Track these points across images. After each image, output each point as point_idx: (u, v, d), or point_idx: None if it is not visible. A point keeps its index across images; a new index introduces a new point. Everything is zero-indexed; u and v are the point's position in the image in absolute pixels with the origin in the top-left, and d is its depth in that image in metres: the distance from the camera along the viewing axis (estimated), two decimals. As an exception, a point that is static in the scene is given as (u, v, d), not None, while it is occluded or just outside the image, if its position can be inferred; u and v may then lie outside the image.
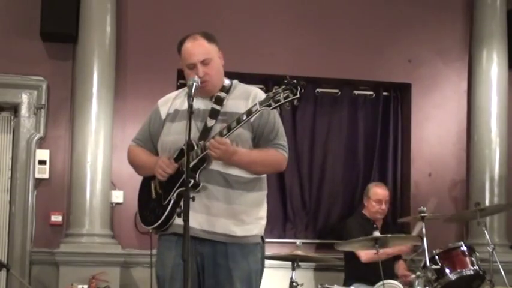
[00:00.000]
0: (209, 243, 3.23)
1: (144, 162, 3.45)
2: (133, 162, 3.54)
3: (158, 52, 6.11)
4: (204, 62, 3.30)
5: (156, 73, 6.08)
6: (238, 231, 3.24)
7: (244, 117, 3.11)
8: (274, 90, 3.07)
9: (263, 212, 3.38)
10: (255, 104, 3.10)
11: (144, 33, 6.17)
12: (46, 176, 5.95)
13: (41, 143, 5.99)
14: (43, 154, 5.96)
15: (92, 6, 5.90)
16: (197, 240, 3.20)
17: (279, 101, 3.03)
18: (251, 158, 3.25)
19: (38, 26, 5.90)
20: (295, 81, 3.01)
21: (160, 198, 3.31)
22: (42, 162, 5.94)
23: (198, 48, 3.33)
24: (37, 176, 5.93)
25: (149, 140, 3.47)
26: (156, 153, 3.43)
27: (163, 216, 3.25)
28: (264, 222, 3.38)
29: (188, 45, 3.35)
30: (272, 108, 3.07)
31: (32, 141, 5.96)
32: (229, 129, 3.14)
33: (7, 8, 6.02)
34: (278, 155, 3.33)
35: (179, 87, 6.07)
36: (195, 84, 3.17)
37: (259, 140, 3.31)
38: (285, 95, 3.02)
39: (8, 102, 6.07)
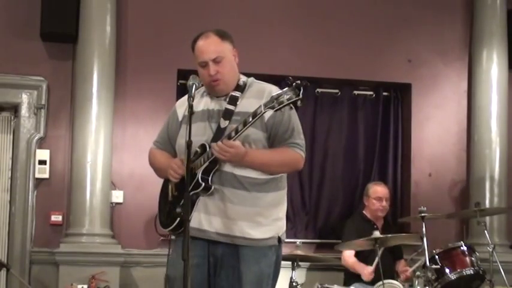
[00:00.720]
0: (222, 246, 3.22)
1: (161, 164, 3.44)
2: (152, 165, 3.53)
3: (158, 52, 6.11)
4: (216, 60, 3.27)
5: (156, 73, 6.08)
6: (254, 233, 3.21)
7: (250, 119, 3.08)
8: (278, 92, 3.05)
9: (282, 212, 3.34)
10: (260, 106, 3.07)
11: (144, 33, 6.17)
12: (46, 176, 5.95)
13: (41, 143, 5.99)
14: (43, 154, 5.96)
15: (92, 6, 5.90)
16: (211, 243, 3.21)
17: (282, 102, 2.99)
18: (264, 159, 3.22)
19: (38, 26, 5.91)
20: (298, 81, 2.98)
21: (176, 201, 3.29)
22: (42, 162, 5.94)
23: (210, 46, 3.29)
24: (37, 176, 5.93)
25: (168, 141, 3.46)
26: (175, 154, 3.41)
27: (178, 219, 3.23)
28: (282, 222, 3.34)
29: (200, 43, 3.31)
30: (275, 110, 3.03)
31: (32, 141, 5.96)
32: (236, 131, 3.11)
33: (7, 8, 6.02)
34: (294, 154, 3.28)
35: (179, 87, 6.08)
36: (195, 84, 3.16)
37: (274, 139, 3.27)
38: (288, 97, 2.98)
39: (8, 102, 6.07)
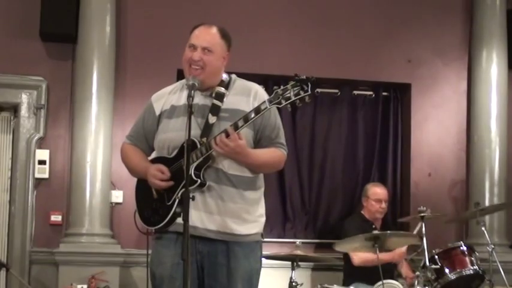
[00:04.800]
0: (210, 242, 3.19)
1: (135, 165, 3.40)
2: (125, 163, 3.48)
3: (158, 52, 6.11)
4: (205, 50, 3.23)
5: (156, 73, 6.07)
6: (241, 229, 3.21)
7: (253, 115, 3.05)
8: (282, 87, 3.00)
9: (263, 209, 3.35)
10: (264, 102, 3.03)
11: (144, 33, 6.17)
12: (46, 176, 5.96)
13: (41, 143, 6.00)
14: (43, 154, 5.96)
15: (91, 6, 5.90)
16: (198, 239, 3.16)
17: (289, 98, 2.95)
18: (261, 161, 3.22)
19: (38, 26, 5.91)
20: (305, 76, 2.94)
21: (163, 198, 3.24)
22: (42, 162, 5.95)
23: (207, 35, 3.26)
24: (37, 176, 5.94)
25: (143, 136, 3.41)
26: (149, 150, 3.39)
27: (169, 217, 3.19)
28: (263, 219, 3.35)
29: (201, 28, 3.29)
30: (282, 106, 2.99)
31: (31, 141, 5.96)
32: (236, 127, 3.07)
33: (7, 8, 6.03)
34: (281, 154, 3.30)
35: (179, 87, 6.07)
36: (195, 84, 3.12)
37: (261, 139, 3.26)
38: (295, 92, 2.94)
39: (8, 102, 6.07)
